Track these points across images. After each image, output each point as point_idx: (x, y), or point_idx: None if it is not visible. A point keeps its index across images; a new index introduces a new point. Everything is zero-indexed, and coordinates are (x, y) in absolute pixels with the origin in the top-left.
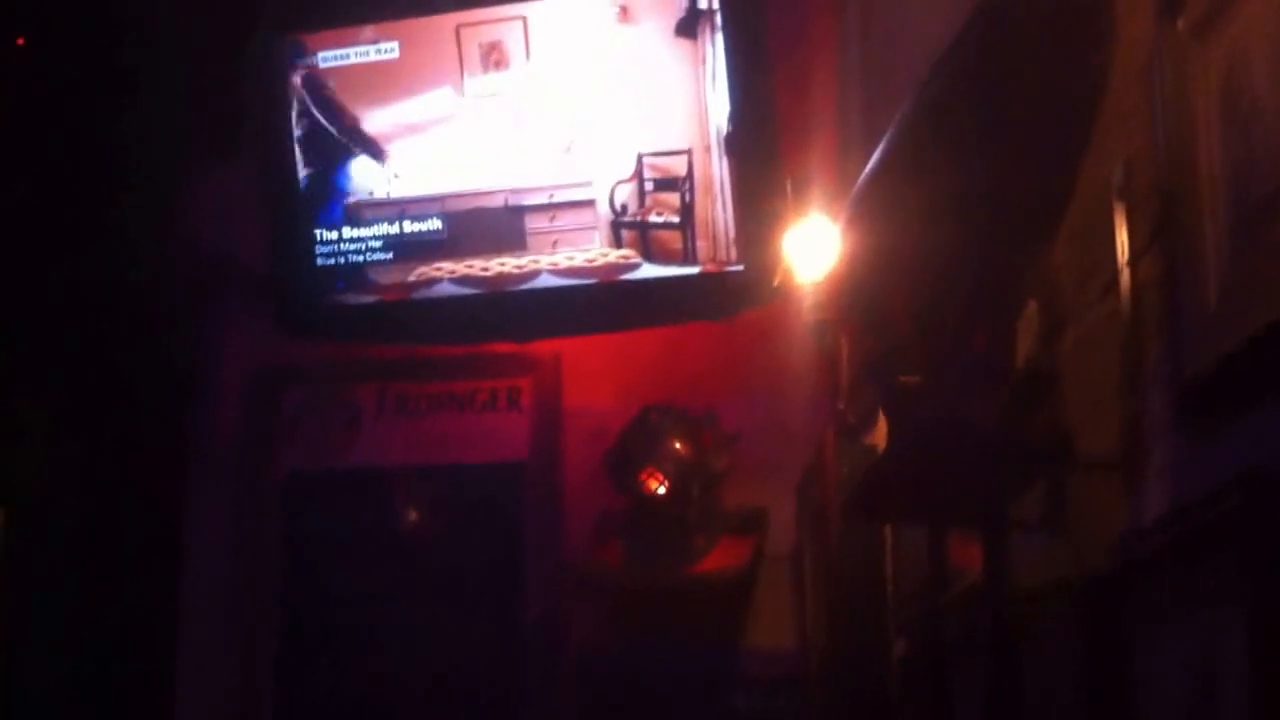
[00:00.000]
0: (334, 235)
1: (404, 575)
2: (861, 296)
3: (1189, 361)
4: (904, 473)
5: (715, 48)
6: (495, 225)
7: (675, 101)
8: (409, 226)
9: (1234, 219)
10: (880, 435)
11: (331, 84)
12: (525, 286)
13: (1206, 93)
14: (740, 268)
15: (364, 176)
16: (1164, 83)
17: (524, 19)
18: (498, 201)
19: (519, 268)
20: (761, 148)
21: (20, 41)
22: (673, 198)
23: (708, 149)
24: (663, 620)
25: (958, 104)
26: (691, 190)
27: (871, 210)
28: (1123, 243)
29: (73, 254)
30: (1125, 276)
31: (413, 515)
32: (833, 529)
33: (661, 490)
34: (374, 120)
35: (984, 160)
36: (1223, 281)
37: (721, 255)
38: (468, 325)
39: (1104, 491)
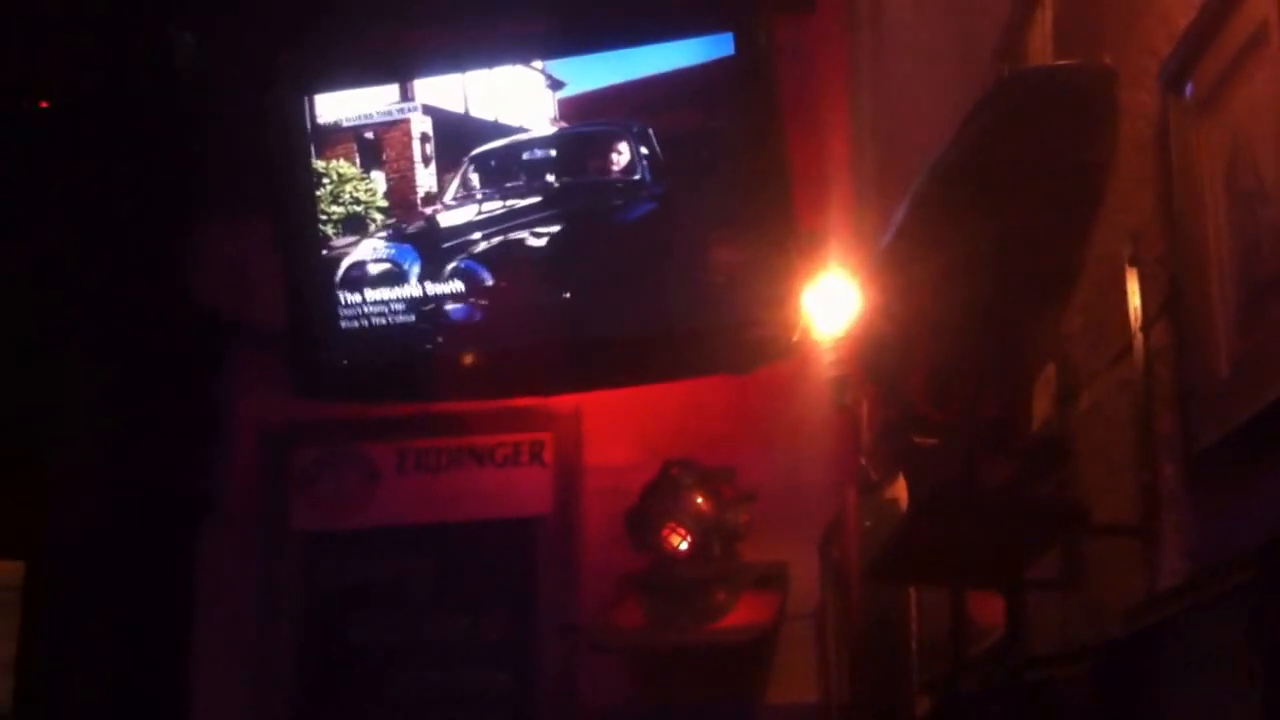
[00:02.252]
0: (357, 298)
1: (420, 632)
2: (879, 361)
3: (1200, 432)
4: (923, 537)
5: None
6: None
7: None
8: (431, 288)
9: (1243, 293)
10: (901, 489)
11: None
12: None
13: (1213, 165)
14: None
15: None
16: (1171, 154)
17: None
18: None
19: None
20: (778, 208)
21: (43, 105)
22: None
23: None
24: (685, 677)
25: (974, 175)
26: None
27: (889, 277)
28: (1134, 310)
29: (91, 313)
30: (1137, 344)
31: (431, 572)
32: (855, 586)
33: (684, 546)
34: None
35: (999, 230)
36: (1233, 353)
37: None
38: (490, 381)
39: (1120, 555)
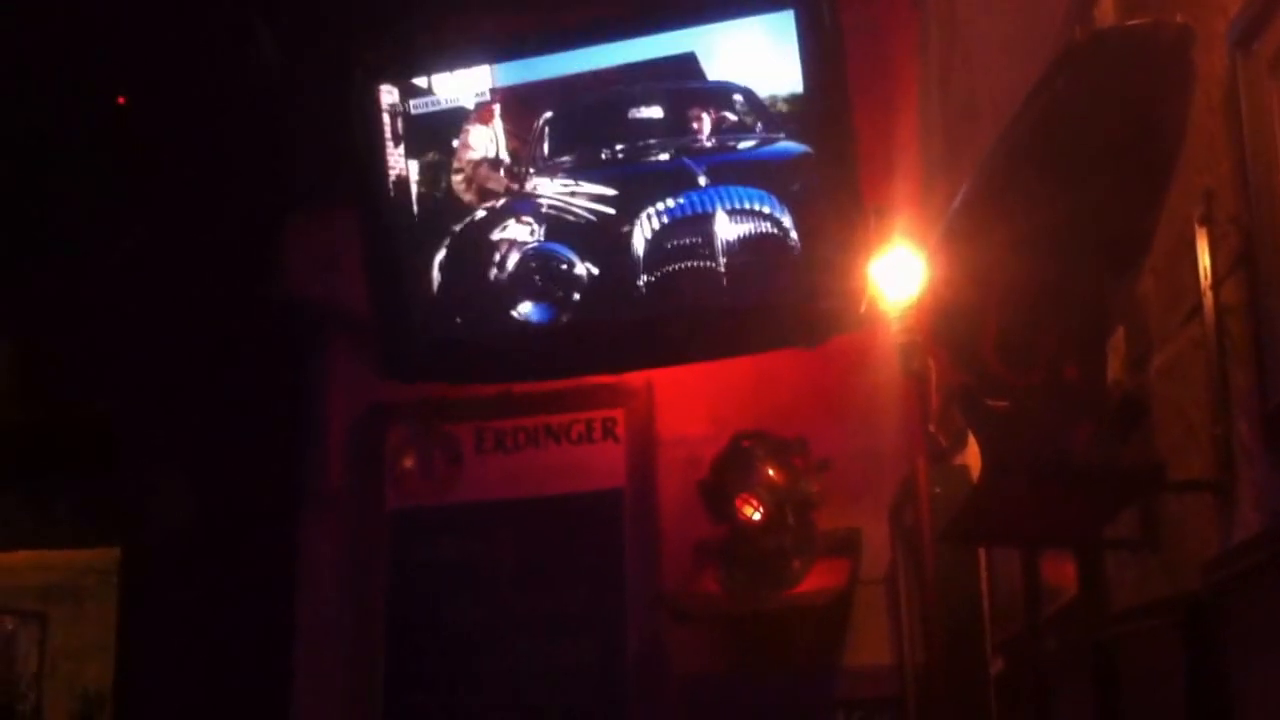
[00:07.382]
0: (441, 281)
1: (508, 606)
2: (950, 325)
3: (1274, 388)
4: (999, 501)
5: None
6: None
7: None
8: (515, 267)
9: None
10: (971, 455)
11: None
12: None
13: None
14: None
15: None
16: (1243, 115)
17: None
18: None
19: None
20: (844, 182)
21: (121, 100)
22: None
23: None
24: (763, 644)
25: (1046, 140)
26: None
27: (960, 241)
28: (1205, 269)
29: (187, 302)
30: (1208, 303)
31: (515, 548)
32: (927, 550)
33: (757, 516)
34: None
35: (1072, 193)
36: None
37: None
38: (565, 358)
39: (1196, 512)
